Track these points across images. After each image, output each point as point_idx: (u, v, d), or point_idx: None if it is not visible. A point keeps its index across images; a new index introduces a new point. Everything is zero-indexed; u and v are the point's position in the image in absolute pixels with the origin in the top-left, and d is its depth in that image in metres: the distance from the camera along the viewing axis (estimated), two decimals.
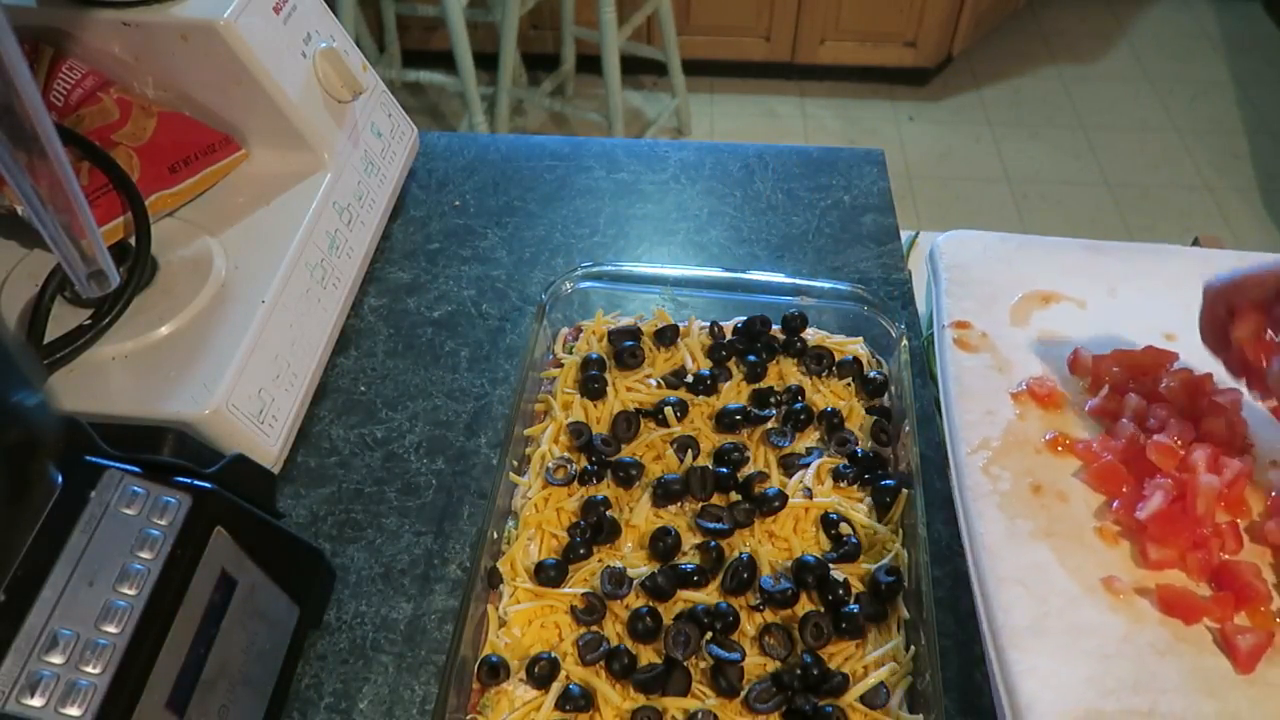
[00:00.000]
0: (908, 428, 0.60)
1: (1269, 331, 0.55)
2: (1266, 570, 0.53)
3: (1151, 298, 0.68)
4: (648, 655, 0.52)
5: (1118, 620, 0.51)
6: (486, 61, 2.24)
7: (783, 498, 0.57)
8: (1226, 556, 0.54)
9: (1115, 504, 0.56)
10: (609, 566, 0.54)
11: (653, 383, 0.65)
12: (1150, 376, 0.62)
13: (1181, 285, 0.64)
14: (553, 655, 0.51)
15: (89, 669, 0.39)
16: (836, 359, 0.66)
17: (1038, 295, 0.69)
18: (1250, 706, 0.48)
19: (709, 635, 0.51)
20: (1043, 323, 0.67)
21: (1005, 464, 0.58)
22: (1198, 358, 0.60)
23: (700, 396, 0.63)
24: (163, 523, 0.44)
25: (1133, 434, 0.58)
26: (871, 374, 0.65)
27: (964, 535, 0.55)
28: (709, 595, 0.53)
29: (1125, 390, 0.61)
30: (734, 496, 0.58)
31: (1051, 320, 0.67)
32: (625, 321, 0.68)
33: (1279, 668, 0.50)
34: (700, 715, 0.48)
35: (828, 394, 0.64)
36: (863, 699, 0.49)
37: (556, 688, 0.50)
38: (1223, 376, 0.59)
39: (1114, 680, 0.49)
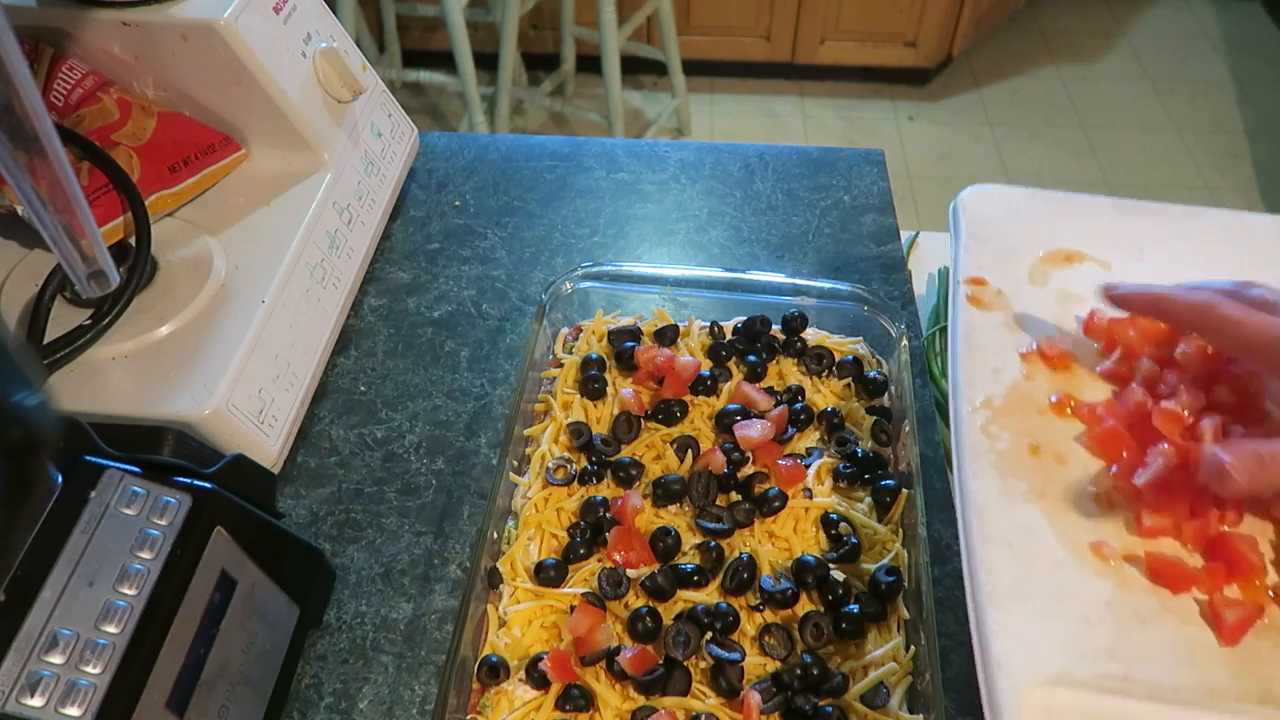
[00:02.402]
0: (908, 428, 0.60)
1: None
2: (1265, 545, 0.52)
3: (1181, 260, 0.64)
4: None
5: (1103, 585, 0.50)
6: (486, 61, 2.24)
7: (783, 498, 0.57)
8: (1226, 528, 0.52)
9: (1114, 469, 0.54)
10: (608, 566, 0.54)
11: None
12: (1167, 341, 0.59)
13: (1214, 248, 0.61)
14: None
15: (89, 669, 0.39)
16: (836, 359, 0.66)
17: (1060, 254, 0.66)
18: (1230, 679, 0.47)
19: (709, 635, 0.51)
20: (1062, 282, 0.64)
21: (1005, 424, 0.56)
22: None
23: (700, 396, 0.63)
24: (163, 523, 0.44)
25: (1140, 399, 0.55)
26: (871, 374, 0.65)
27: (955, 494, 0.54)
28: (709, 595, 0.53)
29: (1139, 355, 0.59)
30: (734, 496, 0.58)
31: (1072, 280, 0.64)
32: (625, 321, 0.68)
33: (1264, 642, 0.49)
34: (704, 718, 0.48)
35: (828, 394, 0.64)
36: (863, 699, 0.49)
37: (556, 688, 0.50)
38: None
39: (1091, 645, 0.48)
